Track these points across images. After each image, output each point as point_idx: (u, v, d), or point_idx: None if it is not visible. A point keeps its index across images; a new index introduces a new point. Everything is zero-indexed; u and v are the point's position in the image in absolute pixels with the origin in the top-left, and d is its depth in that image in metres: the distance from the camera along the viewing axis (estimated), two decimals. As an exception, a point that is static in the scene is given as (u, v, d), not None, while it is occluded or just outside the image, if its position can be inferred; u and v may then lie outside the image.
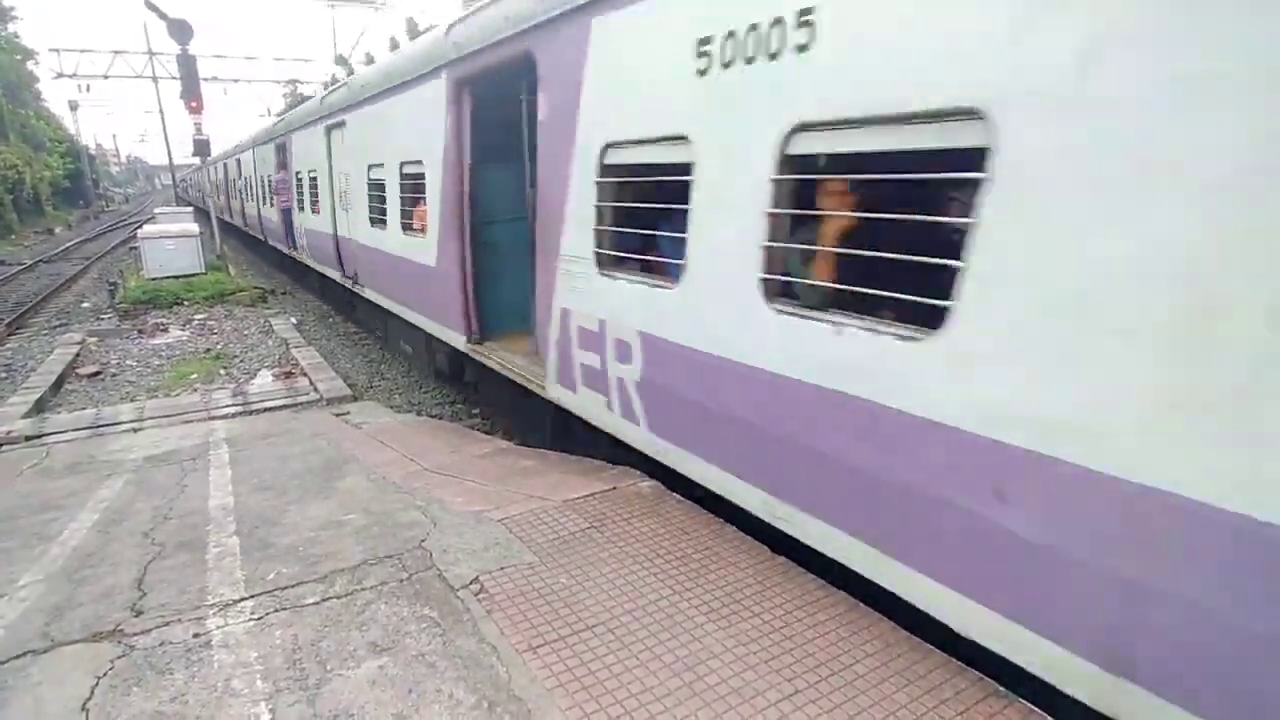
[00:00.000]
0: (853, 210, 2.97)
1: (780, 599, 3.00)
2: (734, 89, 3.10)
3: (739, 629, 2.79)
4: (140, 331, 10.24)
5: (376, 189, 7.72)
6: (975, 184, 2.23)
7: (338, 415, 6.29)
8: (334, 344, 10.69)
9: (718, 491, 3.58)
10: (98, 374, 8.00)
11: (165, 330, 10.38)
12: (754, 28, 2.94)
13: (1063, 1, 2.01)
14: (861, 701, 2.40)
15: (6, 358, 9.43)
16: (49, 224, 36.45)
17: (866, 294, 2.67)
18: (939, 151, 2.35)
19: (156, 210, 20.97)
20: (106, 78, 28.41)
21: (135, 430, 5.82)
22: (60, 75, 28.12)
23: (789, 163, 2.91)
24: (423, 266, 6.57)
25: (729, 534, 3.56)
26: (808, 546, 3.09)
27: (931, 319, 2.40)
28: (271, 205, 14.20)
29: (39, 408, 6.61)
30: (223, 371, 8.00)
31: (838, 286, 2.82)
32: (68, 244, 25.99)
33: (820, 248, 2.95)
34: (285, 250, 14.15)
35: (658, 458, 3.97)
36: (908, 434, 2.51)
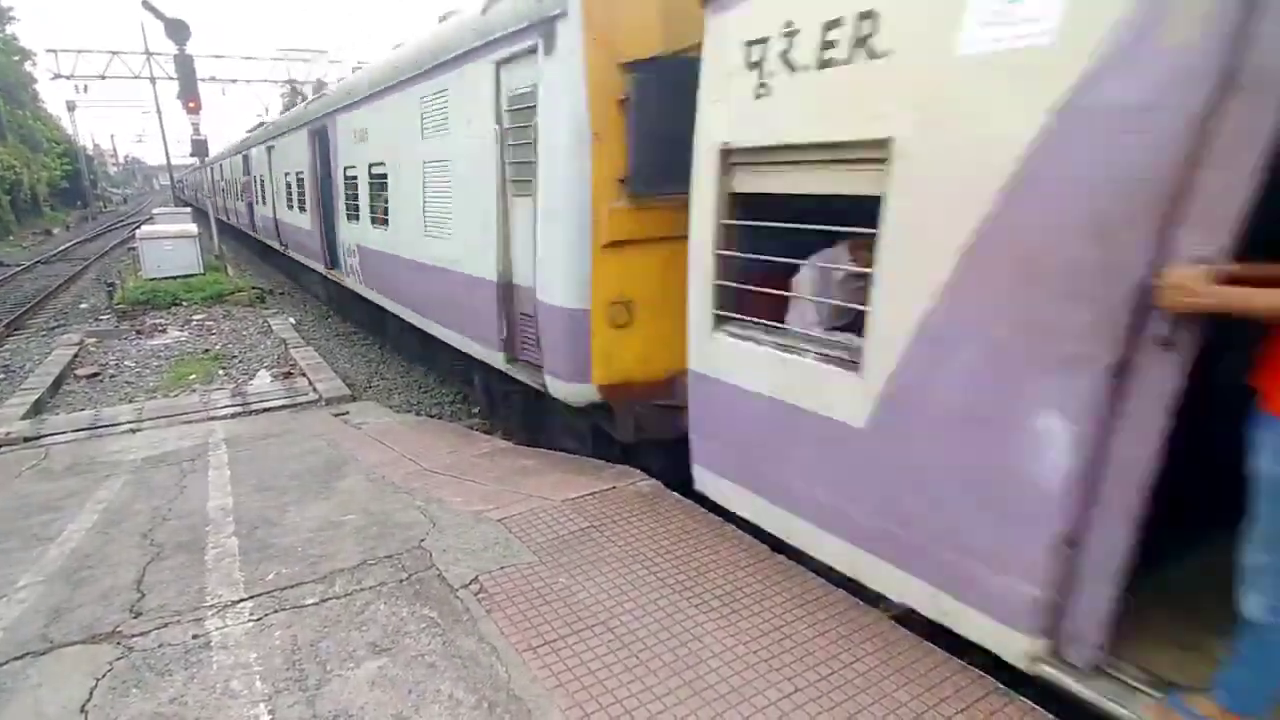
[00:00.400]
0: (380, 191, 7.54)
1: (780, 598, 2.99)
2: (361, 148, 7.93)
3: (739, 628, 2.79)
4: (139, 332, 10.22)
5: (287, 187, 12.54)
6: (386, 182, 7.24)
7: (337, 415, 6.28)
8: (333, 344, 10.67)
9: (384, 306, 8.35)
10: (96, 375, 7.99)
11: (164, 331, 10.36)
12: (359, 130, 7.92)
13: (383, 133, 7.39)
14: (862, 700, 2.40)
15: (5, 359, 9.41)
16: (47, 225, 36.40)
17: (379, 218, 7.65)
18: (383, 175, 7.30)
19: (154, 210, 20.96)
20: (104, 78, 28.20)
21: (134, 431, 5.81)
22: (58, 76, 27.95)
23: (374, 175, 7.63)
24: (309, 231, 11.20)
25: (729, 533, 3.56)
26: (795, 544, 3.09)
27: (387, 223, 7.43)
28: (240, 200, 19.09)
29: (37, 409, 6.59)
30: (221, 372, 7.99)
31: (373, 216, 7.81)
32: (66, 245, 25.95)
33: (369, 204, 7.89)
34: (249, 233, 18.95)
35: (368, 296, 8.89)
36: (389, 260, 7.54)
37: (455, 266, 5.77)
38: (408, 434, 5.79)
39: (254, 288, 13.70)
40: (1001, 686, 2.44)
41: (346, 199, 8.86)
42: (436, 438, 5.80)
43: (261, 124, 16.64)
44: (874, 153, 2.53)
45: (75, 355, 8.69)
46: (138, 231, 15.25)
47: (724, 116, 3.18)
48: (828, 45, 2.63)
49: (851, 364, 2.78)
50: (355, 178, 8.35)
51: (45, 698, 2.52)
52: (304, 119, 10.66)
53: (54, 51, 27.59)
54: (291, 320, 11.37)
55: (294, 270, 15.14)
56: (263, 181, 14.96)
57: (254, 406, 6.48)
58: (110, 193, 70.54)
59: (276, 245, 14.76)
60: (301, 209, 11.37)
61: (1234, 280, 1.80)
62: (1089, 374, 2.07)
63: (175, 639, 2.83)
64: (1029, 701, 2.36)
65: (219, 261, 16.37)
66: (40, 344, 10.13)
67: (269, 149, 13.79)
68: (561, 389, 4.51)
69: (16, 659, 2.74)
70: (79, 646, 2.81)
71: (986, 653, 2.46)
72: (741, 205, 3.24)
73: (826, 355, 2.92)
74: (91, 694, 2.52)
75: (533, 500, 3.99)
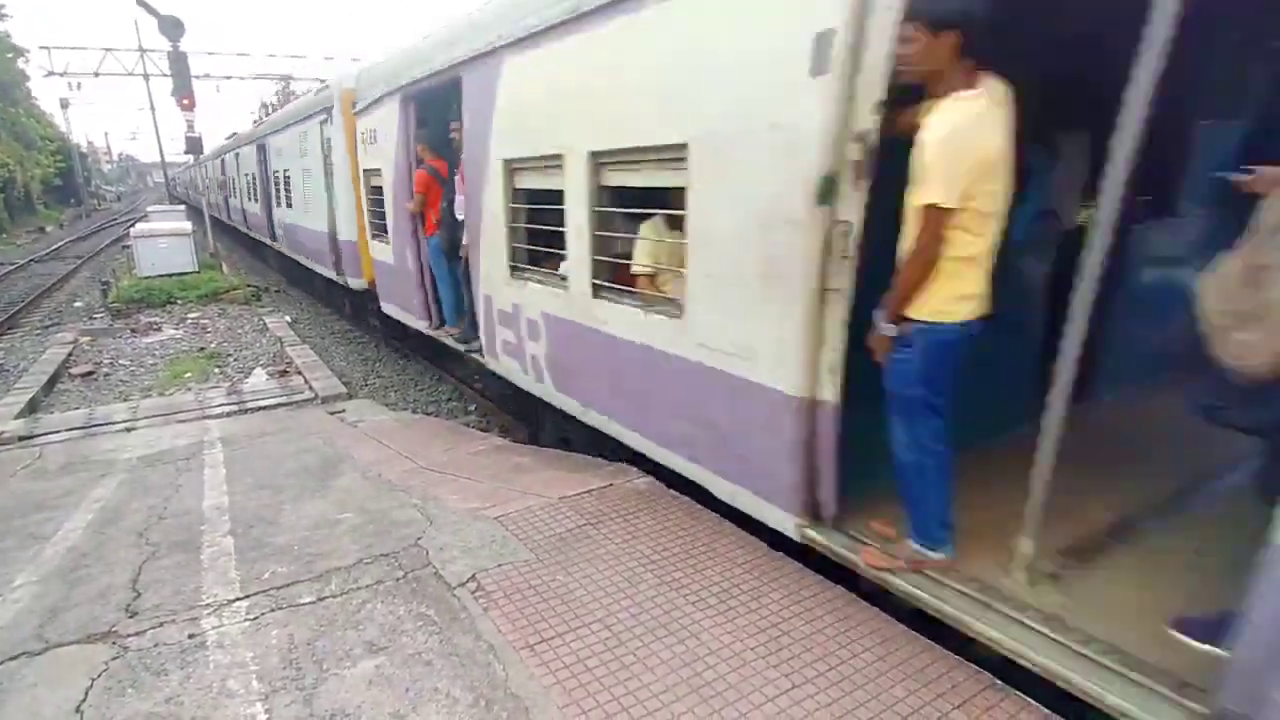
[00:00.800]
0: (288, 187, 12.24)
1: (777, 595, 2.99)
2: (280, 159, 12.42)
3: (736, 625, 2.79)
4: (133, 330, 10.19)
5: (248, 184, 16.90)
6: (291, 181, 11.96)
7: (333, 413, 6.27)
8: (328, 342, 10.66)
9: (296, 259, 13.06)
10: (91, 373, 7.96)
11: (158, 329, 10.33)
12: (279, 148, 12.35)
13: (288, 152, 11.80)
14: (859, 696, 2.40)
15: (-1, 358, 9.37)
16: (40, 223, 36.20)
17: (289, 204, 12.30)
18: (289, 177, 11.95)
19: (149, 208, 20.88)
20: (97, 75, 28.04)
21: (129, 430, 5.79)
22: (51, 73, 27.80)
23: (286, 177, 12.15)
24: (259, 215, 15.39)
25: (726, 530, 3.56)
26: (802, 545, 3.11)
27: (292, 207, 12.14)
28: (220, 195, 23.23)
29: (32, 408, 6.57)
30: (217, 370, 7.97)
31: (288, 203, 12.44)
32: (59, 243, 25.82)
33: (284, 195, 12.61)
34: (225, 220, 23.24)
35: (289, 255, 13.50)
36: (293, 228, 12.35)
37: (314, 226, 10.37)
38: (403, 432, 5.79)
39: (249, 285, 13.66)
40: (998, 682, 2.44)
41: (276, 192, 13.37)
42: (432, 435, 5.79)
43: (234, 135, 21.38)
44: (378, 173, 7.23)
45: (70, 354, 8.66)
46: (132, 230, 15.21)
47: (363, 157, 7.78)
48: (370, 136, 7.31)
49: (387, 240, 7.31)
50: (279, 178, 12.77)
51: (41, 697, 2.52)
52: (254, 137, 15.24)
53: (47, 48, 27.46)
54: (287, 318, 11.34)
55: (265, 252, 18.55)
56: (234, 180, 19.62)
57: (249, 405, 6.46)
58: (104, 190, 70.22)
59: (243, 229, 19.68)
60: (255, 200, 15.87)
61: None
62: (409, 234, 6.58)
63: (171, 638, 2.82)
64: (1024, 696, 2.37)
65: (214, 260, 16.33)
66: (34, 343, 10.09)
67: (236, 155, 18.45)
68: (352, 283, 9.17)
69: (12, 659, 2.73)
70: (75, 646, 2.80)
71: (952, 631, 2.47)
72: (371, 190, 7.71)
73: (386, 240, 7.35)
74: (87, 694, 2.51)
75: (529, 498, 3.99)
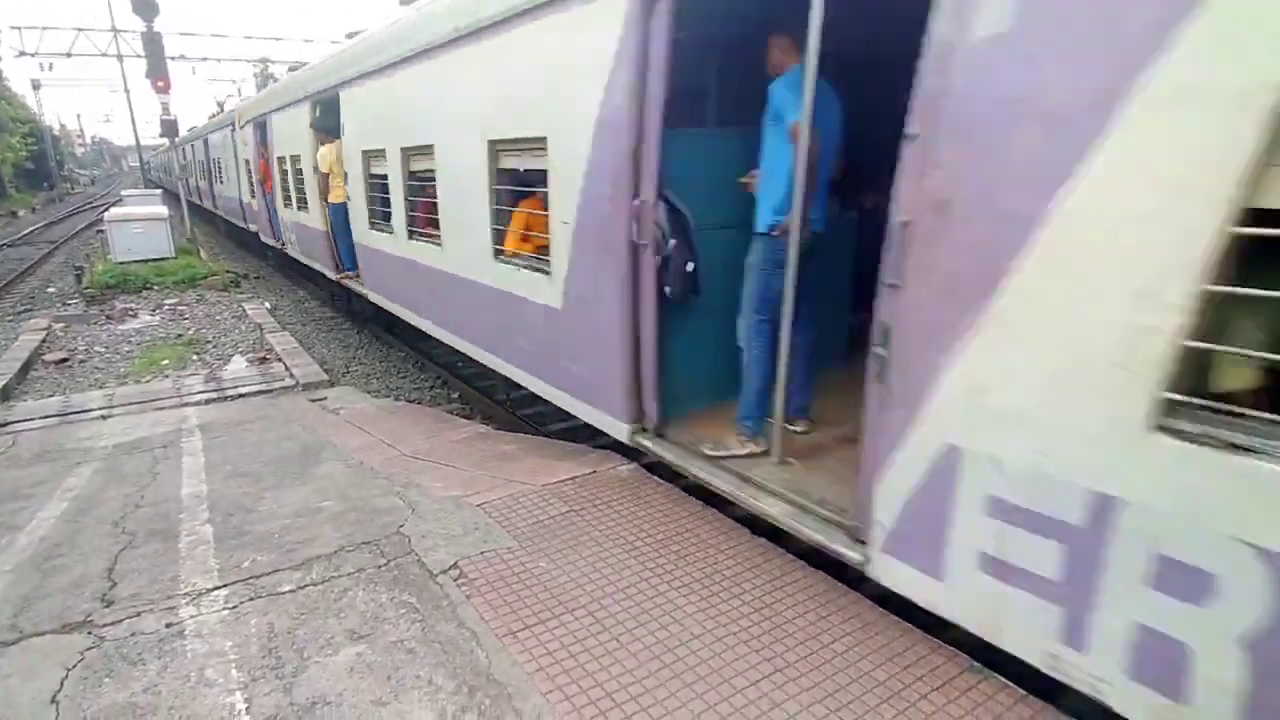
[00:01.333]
0: (220, 170, 18.41)
1: (760, 580, 3.01)
2: (216, 150, 18.31)
3: (719, 610, 2.81)
4: (108, 317, 10.01)
5: (200, 167, 21.90)
6: (222, 165, 17.88)
7: (314, 401, 6.20)
8: (309, 329, 10.53)
9: (230, 220, 19.32)
10: (65, 360, 7.82)
11: (134, 315, 10.16)
12: (214, 143, 18.31)
13: (220, 145, 17.62)
14: (840, 679, 2.43)
15: (-31, 345, 9.16)
16: (12, 207, 35.35)
17: (222, 180, 18.42)
18: (220, 161, 18.15)
19: (124, 192, 20.54)
20: (70, 56, 27.30)
21: (105, 418, 5.70)
22: (22, 53, 27.05)
23: (218, 163, 18.17)
24: (207, 190, 21.56)
25: (710, 517, 3.57)
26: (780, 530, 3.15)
27: (223, 182, 18.51)
28: (183, 174, 25.89)
29: (4, 395, 6.44)
30: (195, 357, 7.85)
31: (220, 180, 18.66)
32: (31, 228, 25.26)
33: (218, 174, 18.68)
34: (186, 195, 25.44)
35: (224, 216, 19.80)
36: (224, 198, 18.59)
37: (232, 195, 15.88)
38: (386, 419, 5.74)
39: (228, 272, 13.46)
40: (976, 664, 2.48)
41: (214, 173, 18.75)
42: (415, 423, 5.75)
43: (193, 128, 25.83)
44: (249, 163, 13.26)
45: (43, 340, 8.49)
46: (106, 214, 14.92)
47: (243, 153, 13.48)
48: (245, 141, 13.13)
49: (254, 197, 13.52)
50: (216, 163, 18.03)
51: (15, 688, 2.48)
52: (201, 134, 20.84)
53: (18, 28, 26.72)
54: (267, 305, 11.18)
55: (216, 219, 22.83)
56: (192, 164, 24.28)
57: (229, 392, 6.38)
58: (78, 174, 68.83)
59: (197, 200, 24.37)
60: (205, 179, 21.31)
61: None
62: (262, 192, 12.52)
63: (148, 628, 2.79)
64: (1002, 679, 2.40)
65: (191, 245, 16.06)
66: (6, 329, 9.88)
67: (191, 146, 23.51)
68: (251, 227, 14.49)
69: (-16, 650, 2.69)
70: (49, 636, 2.77)
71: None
72: (248, 171, 13.37)
73: (254, 197, 13.24)
74: (63, 684, 2.48)
75: (512, 485, 3.97)
